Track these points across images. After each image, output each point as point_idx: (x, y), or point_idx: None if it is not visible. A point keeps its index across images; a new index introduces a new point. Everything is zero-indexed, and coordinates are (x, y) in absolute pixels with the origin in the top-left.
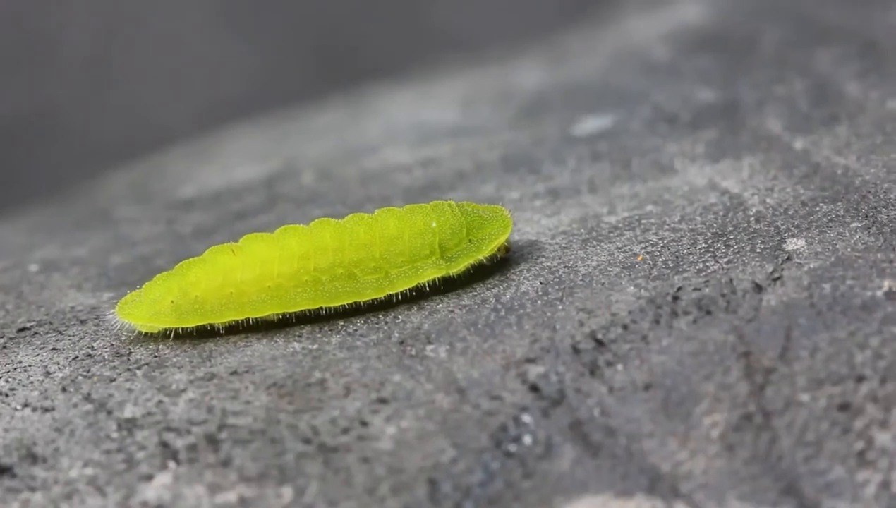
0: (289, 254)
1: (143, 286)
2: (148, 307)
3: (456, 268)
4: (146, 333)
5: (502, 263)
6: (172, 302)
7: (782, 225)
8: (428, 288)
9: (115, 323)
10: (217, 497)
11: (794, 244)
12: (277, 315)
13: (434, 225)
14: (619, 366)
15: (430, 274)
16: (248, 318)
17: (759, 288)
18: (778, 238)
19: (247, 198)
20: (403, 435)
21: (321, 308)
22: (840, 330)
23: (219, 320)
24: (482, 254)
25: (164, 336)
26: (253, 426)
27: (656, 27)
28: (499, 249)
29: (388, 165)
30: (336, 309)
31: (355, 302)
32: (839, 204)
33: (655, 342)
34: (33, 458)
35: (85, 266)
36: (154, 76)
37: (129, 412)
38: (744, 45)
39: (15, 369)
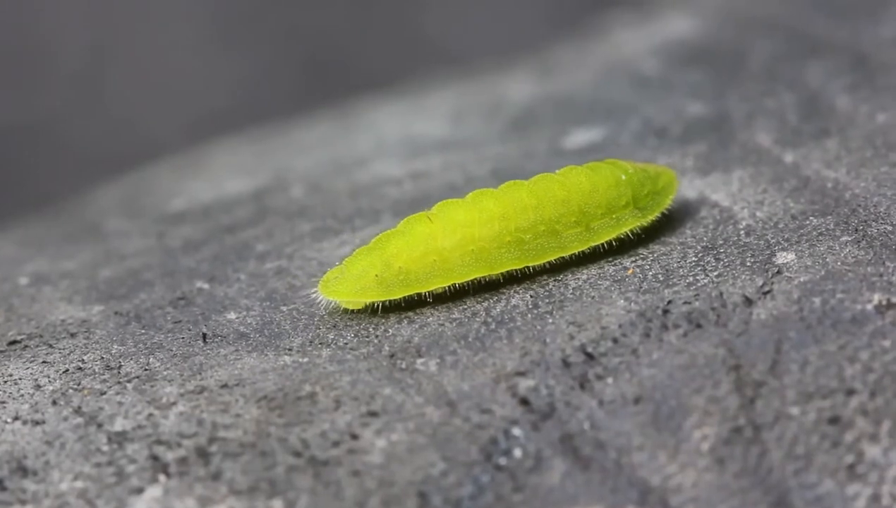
0: (488, 216)
1: (344, 261)
2: (352, 283)
3: (651, 217)
4: (349, 310)
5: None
6: (377, 275)
7: (772, 238)
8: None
9: (319, 300)
10: None
11: (784, 257)
12: (484, 278)
13: (624, 177)
14: (609, 380)
15: (630, 223)
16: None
17: (749, 301)
18: (768, 251)
19: (236, 211)
20: (393, 448)
21: (524, 267)
22: (830, 344)
23: (425, 288)
24: (666, 204)
25: (371, 311)
26: (243, 439)
27: (646, 40)
28: None
29: (379, 178)
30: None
31: (560, 257)
32: (829, 217)
33: (645, 355)
34: (24, 471)
35: (75, 279)
36: (143, 89)
37: (119, 425)
38: (734, 58)
39: (5, 382)
